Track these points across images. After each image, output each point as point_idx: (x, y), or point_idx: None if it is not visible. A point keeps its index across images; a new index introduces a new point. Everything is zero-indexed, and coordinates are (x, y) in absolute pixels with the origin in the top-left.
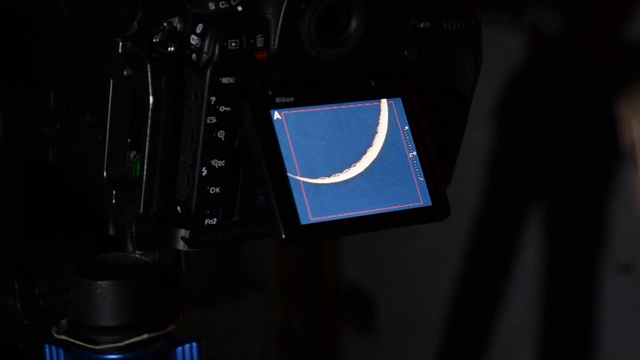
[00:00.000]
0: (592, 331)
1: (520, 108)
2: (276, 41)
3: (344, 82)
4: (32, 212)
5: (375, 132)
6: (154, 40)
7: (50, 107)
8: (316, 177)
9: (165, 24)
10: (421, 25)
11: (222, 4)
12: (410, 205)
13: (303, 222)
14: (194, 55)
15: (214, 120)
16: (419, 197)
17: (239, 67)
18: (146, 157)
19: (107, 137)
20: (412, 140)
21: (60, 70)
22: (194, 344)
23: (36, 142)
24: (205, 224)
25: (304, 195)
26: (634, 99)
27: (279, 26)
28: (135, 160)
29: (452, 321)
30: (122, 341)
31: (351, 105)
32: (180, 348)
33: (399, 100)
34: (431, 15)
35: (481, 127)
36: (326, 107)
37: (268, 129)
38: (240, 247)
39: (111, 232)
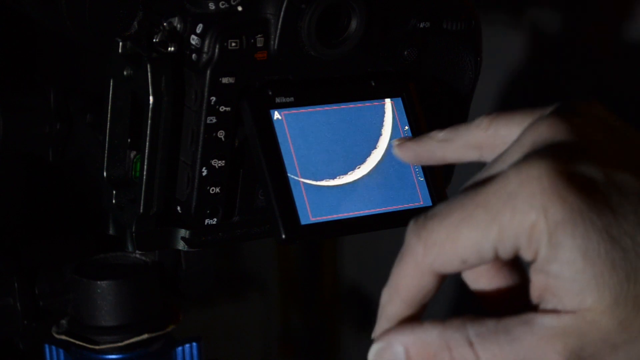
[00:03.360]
0: None
1: (520, 108)
2: (276, 41)
3: (344, 82)
4: (32, 212)
5: (380, 134)
6: (154, 40)
7: (50, 107)
8: (319, 180)
9: (165, 24)
10: (421, 25)
11: (222, 4)
12: (410, 205)
13: (303, 222)
14: (194, 55)
15: (214, 120)
16: (419, 197)
17: (239, 67)
18: (146, 157)
19: (107, 137)
20: None
21: (60, 70)
22: (194, 344)
23: (36, 142)
24: (205, 224)
25: (304, 195)
26: None
27: (279, 26)
28: (135, 160)
29: None
30: (122, 341)
31: (351, 105)
32: (180, 348)
33: (399, 100)
34: (431, 15)
35: None
36: (326, 107)
37: (268, 129)
38: (240, 247)
39: (111, 232)
